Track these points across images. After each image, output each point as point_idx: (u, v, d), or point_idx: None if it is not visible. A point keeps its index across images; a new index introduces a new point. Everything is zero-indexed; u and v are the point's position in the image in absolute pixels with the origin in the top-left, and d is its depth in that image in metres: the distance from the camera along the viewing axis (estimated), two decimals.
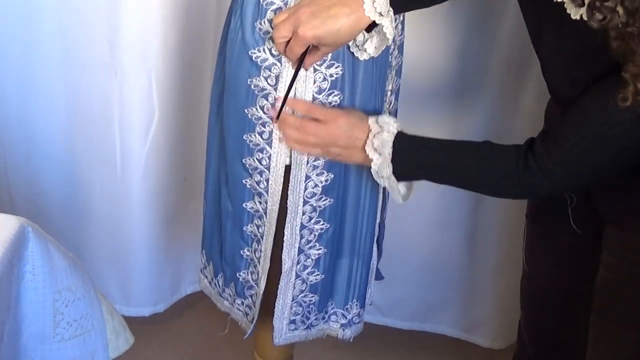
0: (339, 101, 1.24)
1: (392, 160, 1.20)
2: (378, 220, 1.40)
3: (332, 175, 1.29)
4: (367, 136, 1.22)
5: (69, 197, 1.98)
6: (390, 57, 1.29)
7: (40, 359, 1.19)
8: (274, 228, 1.31)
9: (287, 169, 1.29)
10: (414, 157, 1.22)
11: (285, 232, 1.31)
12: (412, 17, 1.44)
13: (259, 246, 1.34)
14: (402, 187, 1.25)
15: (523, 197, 1.30)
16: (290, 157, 1.27)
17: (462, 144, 1.22)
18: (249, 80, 1.24)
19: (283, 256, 1.32)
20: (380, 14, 1.10)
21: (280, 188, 1.29)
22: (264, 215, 1.32)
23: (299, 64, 1.17)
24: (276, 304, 1.36)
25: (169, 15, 1.76)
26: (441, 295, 2.06)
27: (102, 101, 1.84)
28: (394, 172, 1.21)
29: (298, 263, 1.34)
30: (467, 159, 1.20)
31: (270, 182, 1.29)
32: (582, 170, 1.12)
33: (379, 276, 1.50)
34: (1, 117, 1.90)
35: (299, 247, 1.32)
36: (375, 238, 1.41)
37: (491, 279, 1.98)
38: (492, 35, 1.74)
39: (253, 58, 1.22)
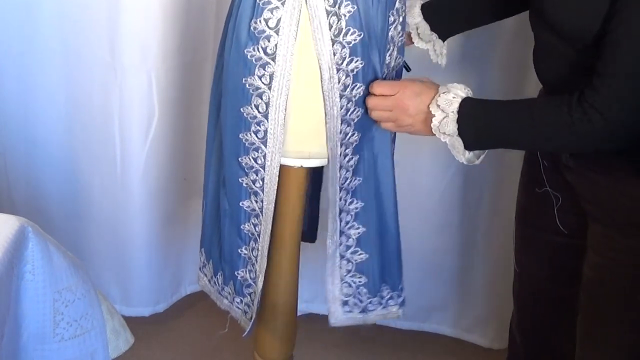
0: None
1: (458, 120, 1.20)
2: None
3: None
4: (433, 97, 1.23)
5: (69, 197, 1.97)
6: (389, 57, 1.29)
7: (40, 359, 1.19)
8: (270, 227, 1.32)
9: (282, 168, 1.29)
10: (479, 120, 1.20)
11: (329, 219, 1.33)
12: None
13: (256, 245, 1.35)
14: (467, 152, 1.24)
15: (582, 147, 1.20)
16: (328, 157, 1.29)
17: (521, 101, 1.22)
18: (244, 79, 1.24)
19: (327, 242, 1.35)
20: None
21: (276, 187, 1.29)
22: (260, 214, 1.32)
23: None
24: (326, 287, 1.38)
25: (169, 15, 1.76)
26: (441, 295, 2.06)
27: (102, 101, 1.84)
28: (460, 136, 1.20)
29: (340, 244, 1.35)
30: (523, 113, 1.18)
31: (265, 181, 1.29)
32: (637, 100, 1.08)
33: None
34: (1, 117, 1.90)
35: (340, 230, 1.34)
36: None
37: (491, 279, 1.98)
38: (493, 36, 1.74)
39: (248, 57, 1.22)
